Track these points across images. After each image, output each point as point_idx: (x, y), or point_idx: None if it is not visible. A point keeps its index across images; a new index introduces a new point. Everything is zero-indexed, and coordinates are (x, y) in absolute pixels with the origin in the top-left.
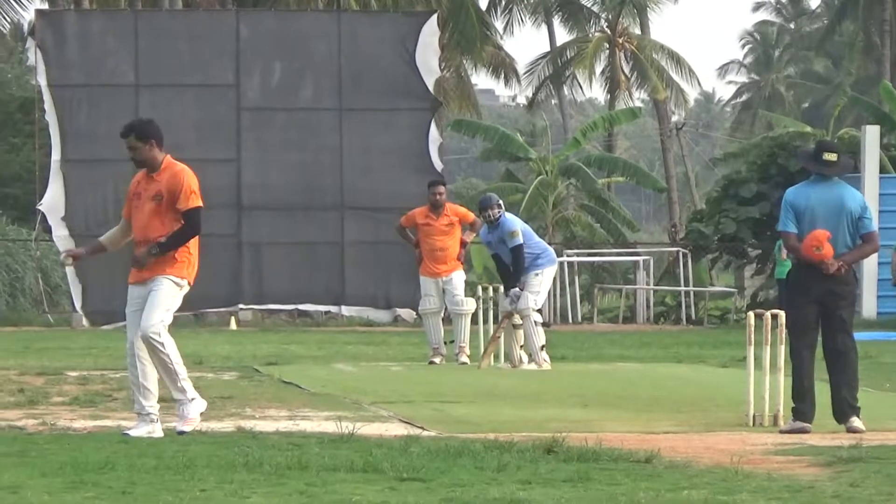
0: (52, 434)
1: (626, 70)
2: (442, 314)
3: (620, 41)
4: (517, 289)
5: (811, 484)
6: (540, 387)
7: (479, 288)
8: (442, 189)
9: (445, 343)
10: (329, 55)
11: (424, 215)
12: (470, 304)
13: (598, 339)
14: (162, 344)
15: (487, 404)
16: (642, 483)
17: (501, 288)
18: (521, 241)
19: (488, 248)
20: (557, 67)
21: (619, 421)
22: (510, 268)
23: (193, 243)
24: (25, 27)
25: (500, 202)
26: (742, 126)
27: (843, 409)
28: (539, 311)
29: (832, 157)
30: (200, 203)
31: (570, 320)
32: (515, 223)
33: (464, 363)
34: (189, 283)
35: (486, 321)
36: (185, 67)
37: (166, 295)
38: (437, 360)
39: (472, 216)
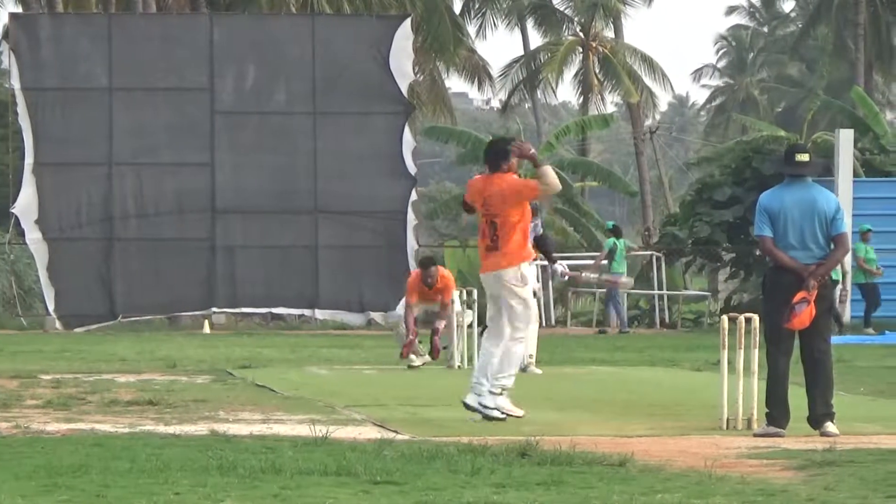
0: (26, 437)
1: (599, 74)
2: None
3: (593, 45)
4: None
5: (785, 487)
6: (513, 390)
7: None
8: (433, 271)
9: (445, 348)
10: (303, 59)
11: (418, 284)
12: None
13: (571, 343)
14: None
15: (461, 408)
16: (616, 486)
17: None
18: None
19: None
20: (531, 71)
21: (593, 424)
22: None
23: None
24: None
25: None
26: (716, 130)
27: (818, 416)
28: None
29: (804, 157)
30: None
31: (544, 324)
32: None
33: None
34: None
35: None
36: (159, 71)
37: None
38: (416, 362)
39: (451, 295)
